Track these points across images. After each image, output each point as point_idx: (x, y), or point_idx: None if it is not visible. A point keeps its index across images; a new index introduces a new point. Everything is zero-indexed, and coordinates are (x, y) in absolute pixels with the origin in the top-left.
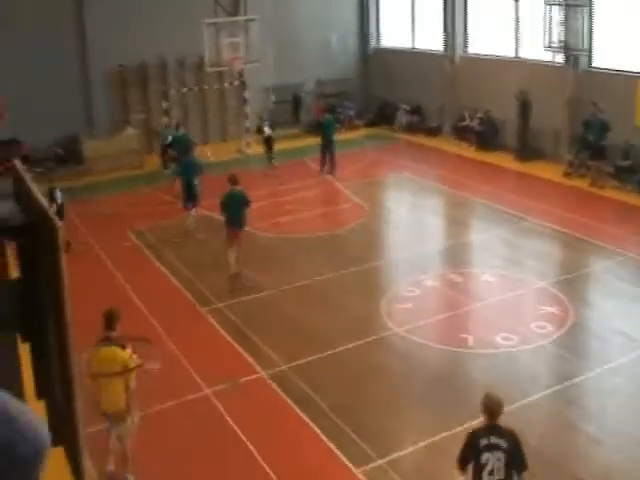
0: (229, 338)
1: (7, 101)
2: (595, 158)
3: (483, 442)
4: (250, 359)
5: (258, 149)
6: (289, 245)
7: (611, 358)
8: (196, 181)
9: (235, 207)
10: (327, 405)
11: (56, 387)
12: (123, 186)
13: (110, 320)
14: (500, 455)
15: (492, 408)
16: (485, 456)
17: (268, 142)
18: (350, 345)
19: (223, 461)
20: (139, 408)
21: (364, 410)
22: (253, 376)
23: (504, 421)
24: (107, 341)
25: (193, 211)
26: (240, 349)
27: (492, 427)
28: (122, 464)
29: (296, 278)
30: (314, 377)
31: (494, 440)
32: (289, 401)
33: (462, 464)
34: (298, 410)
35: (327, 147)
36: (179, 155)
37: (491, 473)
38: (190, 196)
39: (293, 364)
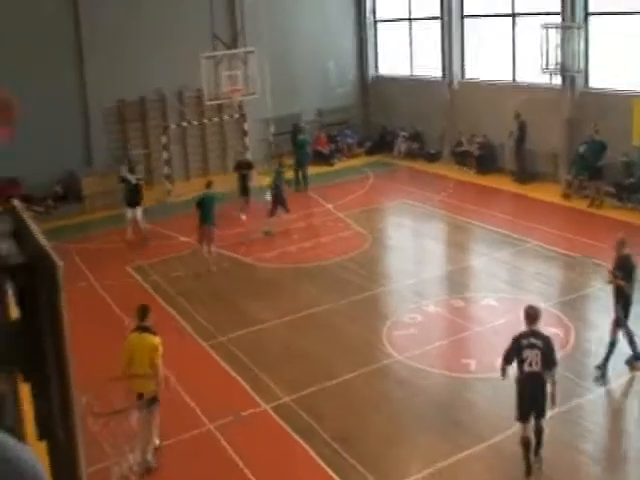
0: (232, 372)
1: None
2: (593, 178)
3: (524, 342)
4: (252, 392)
5: (259, 180)
6: (292, 275)
7: (612, 378)
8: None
9: (209, 206)
10: (329, 435)
11: (57, 428)
12: (123, 222)
13: (143, 313)
14: (537, 352)
15: (532, 316)
16: (526, 353)
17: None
18: (352, 374)
19: None
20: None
21: (367, 439)
22: (256, 409)
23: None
24: (141, 329)
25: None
26: (243, 382)
27: (532, 331)
28: (146, 445)
29: (299, 308)
30: (316, 407)
31: (533, 341)
32: (292, 433)
33: (507, 360)
34: (301, 441)
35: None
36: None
37: (530, 365)
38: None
39: (295, 395)
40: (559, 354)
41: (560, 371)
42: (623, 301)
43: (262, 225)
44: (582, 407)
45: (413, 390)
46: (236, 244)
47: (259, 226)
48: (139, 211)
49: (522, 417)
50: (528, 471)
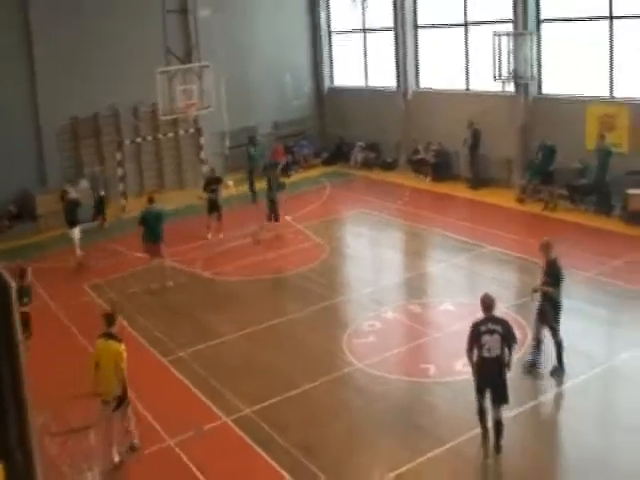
0: (192, 386)
1: None
2: (546, 182)
3: (483, 329)
4: (213, 406)
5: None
6: (251, 287)
7: (570, 376)
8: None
9: (153, 223)
10: (291, 445)
11: (15, 450)
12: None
13: (109, 320)
14: (497, 337)
15: (488, 304)
16: (485, 338)
17: None
18: (313, 384)
19: None
20: None
21: (328, 447)
22: (216, 423)
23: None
24: (107, 336)
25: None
26: (202, 397)
27: (489, 317)
28: (126, 437)
29: (258, 320)
30: (278, 418)
31: (492, 326)
32: (253, 444)
33: (469, 351)
34: (263, 452)
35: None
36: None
37: (489, 350)
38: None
39: (256, 407)
40: (517, 356)
41: (517, 373)
42: (552, 306)
43: (255, 229)
44: (542, 405)
45: (373, 397)
46: (194, 259)
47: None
48: (76, 231)
49: (479, 391)
50: (484, 434)
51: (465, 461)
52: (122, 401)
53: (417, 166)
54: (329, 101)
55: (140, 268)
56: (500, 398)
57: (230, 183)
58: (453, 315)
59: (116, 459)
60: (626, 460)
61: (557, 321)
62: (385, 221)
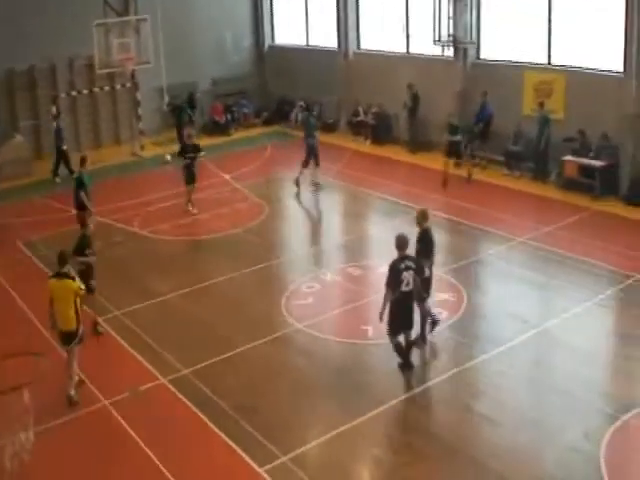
0: (128, 346)
1: None
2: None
3: (402, 266)
4: (150, 366)
5: (154, 150)
6: (188, 247)
7: (505, 340)
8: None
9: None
10: (230, 406)
11: None
12: (12, 196)
13: (61, 260)
14: (412, 272)
15: (403, 243)
16: (404, 275)
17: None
18: (252, 344)
19: (123, 470)
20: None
21: (268, 409)
22: (154, 383)
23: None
24: (61, 275)
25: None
26: (139, 356)
27: (405, 256)
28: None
29: (196, 281)
30: (216, 379)
31: (408, 263)
32: (191, 405)
33: (392, 287)
34: (201, 414)
35: None
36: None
37: (407, 284)
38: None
39: (194, 368)
40: (453, 318)
41: (453, 335)
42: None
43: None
44: (476, 369)
45: (313, 358)
46: (131, 217)
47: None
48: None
49: (395, 333)
50: (407, 364)
51: (402, 421)
52: (73, 336)
53: (357, 128)
54: (270, 59)
55: (77, 227)
56: (410, 325)
57: (168, 157)
58: None
59: (71, 392)
60: (555, 419)
61: (427, 292)
62: (325, 183)
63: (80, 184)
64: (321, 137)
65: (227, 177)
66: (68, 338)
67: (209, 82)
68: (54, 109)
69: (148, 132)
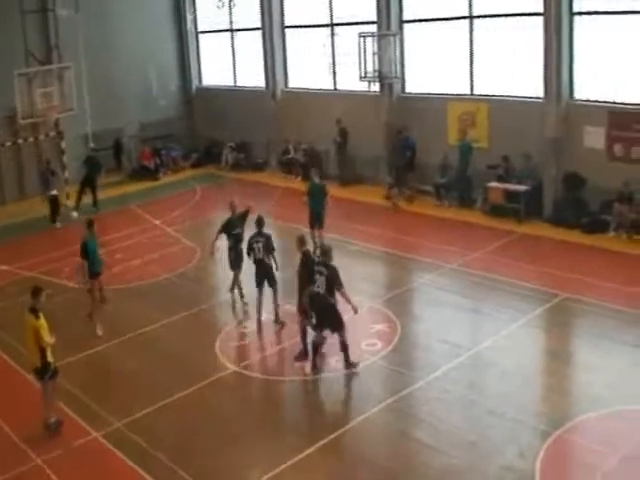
0: (59, 402)
1: None
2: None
3: (316, 269)
4: (82, 421)
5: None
6: (120, 296)
7: (438, 366)
8: None
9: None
10: (166, 456)
11: None
12: None
13: (33, 294)
14: (324, 278)
15: (326, 251)
16: (316, 277)
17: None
18: (187, 391)
19: None
20: None
21: (206, 454)
22: (86, 438)
23: None
24: (30, 310)
25: None
26: (71, 412)
27: (321, 262)
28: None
29: (127, 329)
30: (151, 430)
31: (321, 269)
32: (126, 459)
33: (309, 281)
34: (135, 466)
35: None
36: None
37: (318, 287)
38: None
39: (128, 419)
40: (388, 348)
41: (388, 365)
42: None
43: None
44: (412, 396)
45: (249, 399)
46: (59, 268)
47: None
48: None
49: (316, 327)
50: (315, 365)
51: (342, 453)
52: (42, 372)
53: (287, 166)
54: (198, 101)
55: (3, 283)
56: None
57: (75, 215)
58: None
59: (52, 420)
60: (490, 440)
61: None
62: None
63: (85, 250)
64: (252, 177)
65: (157, 222)
66: (37, 373)
67: (137, 126)
68: None
69: (74, 181)
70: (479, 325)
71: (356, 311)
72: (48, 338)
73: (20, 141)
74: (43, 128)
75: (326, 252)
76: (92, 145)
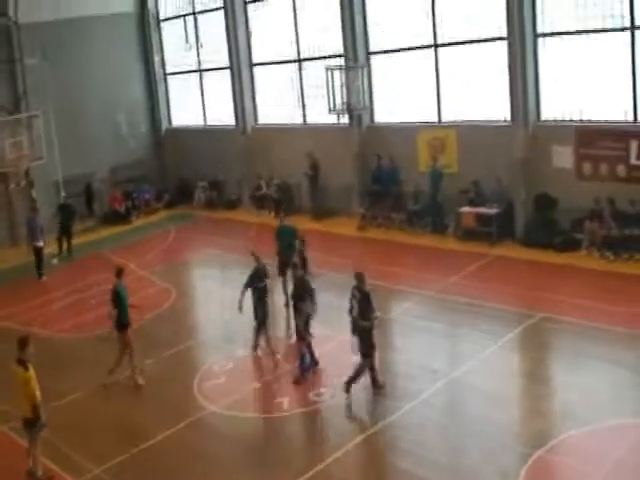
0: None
1: None
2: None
3: (354, 292)
4: (61, 470)
5: (52, 248)
6: (92, 343)
7: (418, 393)
8: None
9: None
10: None
11: None
12: None
13: (20, 345)
14: (356, 300)
15: (359, 277)
16: (352, 302)
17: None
18: (166, 433)
19: None
20: None
21: None
22: None
23: None
24: (18, 361)
25: None
26: (49, 462)
27: (355, 287)
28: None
29: (101, 376)
30: (131, 475)
31: (354, 293)
32: None
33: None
34: None
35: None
36: None
37: (351, 311)
38: None
39: (107, 465)
40: (367, 379)
41: (368, 395)
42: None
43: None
44: (391, 424)
45: (229, 438)
46: (31, 319)
47: None
48: None
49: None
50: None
51: None
52: (31, 424)
53: (260, 202)
54: (168, 142)
55: None
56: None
57: (55, 261)
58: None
59: (39, 473)
60: (472, 463)
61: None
62: (232, 260)
63: (118, 298)
64: (225, 214)
65: (132, 266)
66: (27, 424)
67: (107, 170)
68: None
69: (46, 229)
70: (457, 350)
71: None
72: (37, 391)
73: None
74: (13, 177)
75: (360, 277)
76: (63, 194)
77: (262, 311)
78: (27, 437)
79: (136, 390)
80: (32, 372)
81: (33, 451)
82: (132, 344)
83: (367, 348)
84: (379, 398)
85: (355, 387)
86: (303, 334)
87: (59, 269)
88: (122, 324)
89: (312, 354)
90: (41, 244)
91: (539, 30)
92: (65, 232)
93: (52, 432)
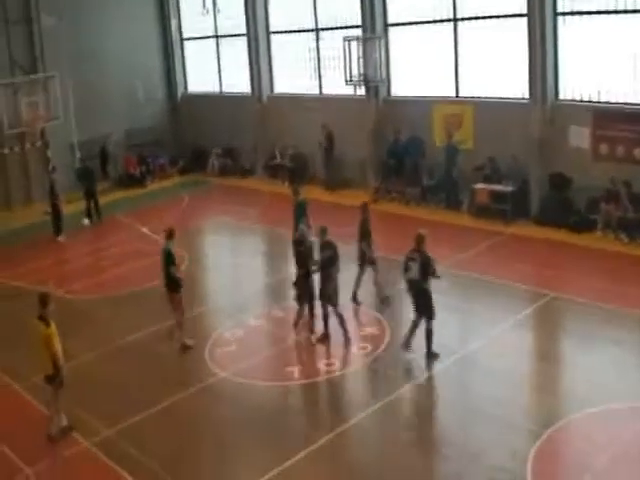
0: (46, 411)
1: None
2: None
3: (408, 256)
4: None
5: (66, 208)
6: (107, 304)
7: (428, 368)
8: None
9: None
10: (158, 464)
11: None
12: None
13: (41, 302)
14: (416, 264)
15: (417, 240)
16: (409, 264)
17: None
18: (176, 398)
19: None
20: None
21: (197, 461)
22: (77, 447)
23: None
24: (39, 317)
25: None
26: None
27: (414, 249)
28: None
29: (116, 337)
30: (141, 437)
31: (414, 255)
32: (117, 467)
33: (404, 270)
34: (127, 475)
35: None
36: None
37: (411, 273)
38: None
39: (117, 427)
40: (377, 351)
41: (378, 367)
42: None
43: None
44: (400, 399)
45: (239, 405)
46: (45, 278)
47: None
48: None
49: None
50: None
51: (333, 457)
52: (51, 379)
53: (274, 171)
54: (184, 108)
55: None
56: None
57: (86, 222)
58: (316, 317)
59: (52, 432)
60: (481, 442)
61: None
62: (245, 228)
63: (170, 259)
64: (239, 182)
65: (144, 230)
66: (48, 379)
67: (122, 134)
68: None
69: (60, 190)
70: (468, 327)
71: None
72: (58, 347)
73: (6, 151)
74: (29, 137)
75: (420, 239)
76: (79, 155)
77: (307, 287)
78: (49, 393)
79: (147, 354)
80: (54, 328)
81: (56, 406)
82: (183, 305)
83: (426, 311)
84: (389, 373)
85: (365, 360)
86: (334, 300)
87: (74, 232)
88: (177, 284)
89: (326, 325)
90: (60, 202)
91: (559, 8)
92: (92, 196)
93: (64, 392)
